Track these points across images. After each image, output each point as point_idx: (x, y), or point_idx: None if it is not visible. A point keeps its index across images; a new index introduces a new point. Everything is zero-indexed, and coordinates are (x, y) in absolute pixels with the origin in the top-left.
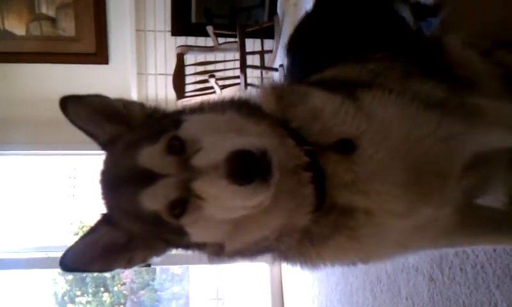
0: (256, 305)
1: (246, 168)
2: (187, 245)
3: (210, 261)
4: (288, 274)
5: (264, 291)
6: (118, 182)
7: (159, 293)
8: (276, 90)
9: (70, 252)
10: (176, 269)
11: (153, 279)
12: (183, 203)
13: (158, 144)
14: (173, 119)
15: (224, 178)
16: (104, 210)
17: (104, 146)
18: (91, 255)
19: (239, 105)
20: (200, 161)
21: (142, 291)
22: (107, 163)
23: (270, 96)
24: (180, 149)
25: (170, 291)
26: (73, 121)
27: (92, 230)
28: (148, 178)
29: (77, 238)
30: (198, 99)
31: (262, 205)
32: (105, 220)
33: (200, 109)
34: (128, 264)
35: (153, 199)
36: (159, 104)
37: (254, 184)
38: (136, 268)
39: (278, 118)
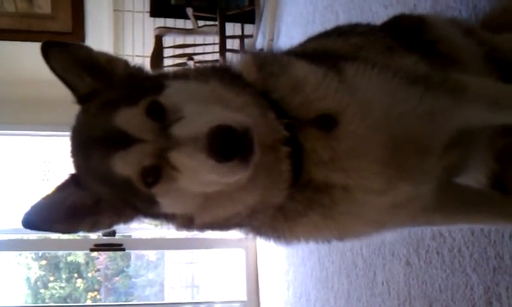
0: (232, 292)
1: (227, 145)
2: (156, 215)
3: (179, 231)
4: (264, 260)
5: (239, 278)
6: (91, 142)
7: (133, 279)
8: (257, 59)
9: (34, 210)
10: (151, 256)
11: (127, 266)
12: (156, 172)
13: (137, 106)
14: (156, 82)
15: (203, 152)
16: (73, 170)
17: (80, 99)
18: (56, 214)
19: (221, 74)
20: (180, 131)
21: (116, 278)
22: (81, 119)
23: (251, 65)
24: (159, 115)
25: (145, 278)
26: (52, 68)
27: (58, 189)
28: (122, 141)
29: None
30: None
31: (238, 182)
32: (72, 180)
33: (184, 75)
34: (93, 228)
35: (126, 164)
36: (143, 65)
37: (233, 162)
38: (110, 254)
39: (258, 88)
